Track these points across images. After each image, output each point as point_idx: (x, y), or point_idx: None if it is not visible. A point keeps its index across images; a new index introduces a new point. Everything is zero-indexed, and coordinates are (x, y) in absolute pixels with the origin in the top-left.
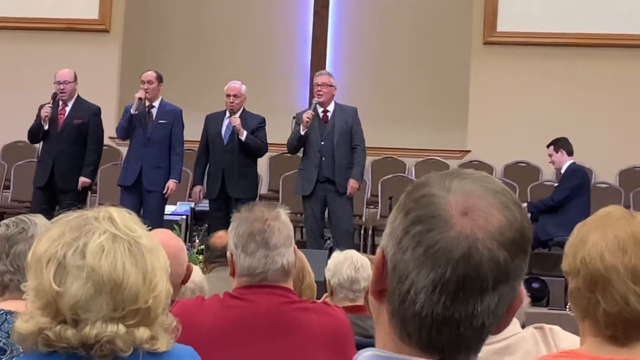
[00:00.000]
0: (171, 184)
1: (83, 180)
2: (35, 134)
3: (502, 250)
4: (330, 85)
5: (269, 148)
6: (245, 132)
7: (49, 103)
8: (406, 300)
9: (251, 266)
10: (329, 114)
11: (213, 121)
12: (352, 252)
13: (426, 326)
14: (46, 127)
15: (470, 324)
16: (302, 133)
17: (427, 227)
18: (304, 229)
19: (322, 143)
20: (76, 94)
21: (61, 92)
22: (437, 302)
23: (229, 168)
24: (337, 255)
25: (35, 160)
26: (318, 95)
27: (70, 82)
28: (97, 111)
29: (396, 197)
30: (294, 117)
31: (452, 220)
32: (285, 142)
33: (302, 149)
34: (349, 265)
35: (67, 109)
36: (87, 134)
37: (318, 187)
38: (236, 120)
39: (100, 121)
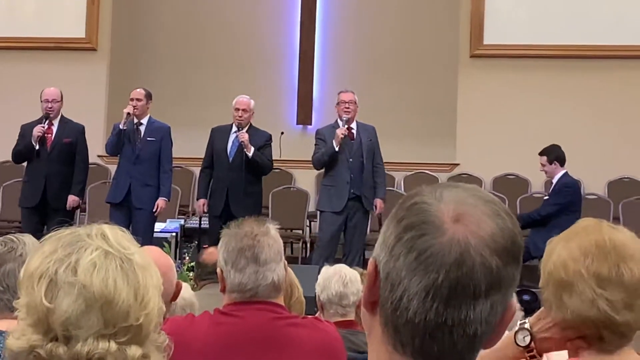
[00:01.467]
0: (161, 202)
1: (73, 198)
2: (24, 154)
3: (494, 256)
4: (356, 103)
5: None
6: (252, 148)
7: (39, 122)
8: (399, 307)
9: (241, 282)
10: (354, 131)
11: (219, 135)
12: (341, 267)
13: (419, 333)
14: (37, 147)
15: (463, 331)
16: (337, 149)
17: (419, 233)
18: (294, 245)
19: (351, 160)
20: (60, 113)
21: (49, 110)
22: (430, 309)
23: (234, 186)
24: (325, 270)
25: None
26: (346, 112)
27: (58, 101)
28: (83, 130)
29: (386, 211)
30: (282, 133)
31: (444, 226)
32: (277, 159)
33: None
34: (337, 280)
35: (54, 129)
36: (75, 152)
37: (347, 204)
38: (244, 135)
39: (85, 140)
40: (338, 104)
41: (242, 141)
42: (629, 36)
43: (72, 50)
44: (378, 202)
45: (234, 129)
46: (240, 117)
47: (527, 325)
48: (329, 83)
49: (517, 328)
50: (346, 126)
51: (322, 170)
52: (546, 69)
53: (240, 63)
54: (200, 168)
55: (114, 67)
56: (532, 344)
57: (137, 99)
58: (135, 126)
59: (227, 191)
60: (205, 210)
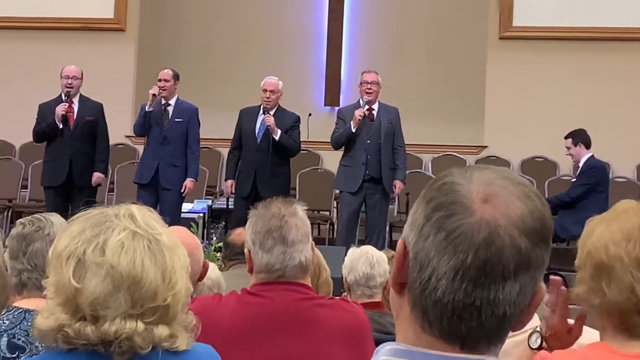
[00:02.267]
0: (189, 183)
1: (98, 175)
2: (48, 133)
3: (523, 237)
4: (379, 84)
5: None
6: (279, 132)
7: (57, 101)
8: (427, 287)
9: (269, 263)
10: (374, 112)
11: (247, 117)
12: (368, 248)
13: (447, 313)
14: (61, 126)
15: (491, 312)
16: (354, 130)
17: (448, 213)
18: (321, 226)
19: (368, 141)
20: (79, 92)
21: (69, 86)
22: (459, 289)
23: (262, 167)
24: (353, 251)
25: None
26: (368, 93)
27: (78, 79)
28: (102, 108)
29: (413, 193)
30: (309, 115)
31: (474, 207)
32: (305, 140)
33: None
34: (364, 261)
35: (75, 107)
36: (96, 130)
37: (362, 185)
38: (270, 119)
39: (104, 118)
40: (361, 84)
41: (268, 125)
42: None
43: (100, 30)
44: (397, 183)
45: (262, 110)
46: (267, 98)
47: (538, 328)
48: (356, 65)
49: (530, 331)
50: (366, 107)
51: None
52: (575, 51)
53: (268, 45)
54: (228, 149)
55: (142, 48)
56: (544, 344)
57: (165, 80)
58: (163, 107)
59: (255, 172)
60: (233, 191)
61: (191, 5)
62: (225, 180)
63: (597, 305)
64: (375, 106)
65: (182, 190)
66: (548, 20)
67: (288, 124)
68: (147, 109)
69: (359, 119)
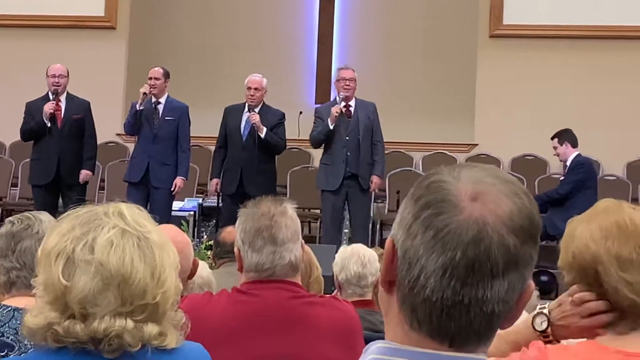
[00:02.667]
0: (179, 181)
1: (86, 173)
2: (36, 131)
3: (511, 235)
4: (356, 80)
5: None
6: (264, 129)
7: (44, 99)
8: (416, 286)
9: (259, 262)
10: (352, 109)
11: (232, 114)
12: (359, 247)
13: (436, 312)
14: (49, 124)
15: (480, 310)
16: (331, 127)
17: (436, 211)
18: (312, 224)
19: (347, 138)
20: (66, 90)
21: (56, 85)
22: (447, 287)
23: (247, 165)
24: (344, 250)
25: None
26: (346, 89)
27: (64, 77)
28: (89, 106)
29: (404, 191)
30: (300, 113)
31: (462, 204)
32: (295, 138)
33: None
34: (355, 260)
35: (62, 105)
36: (84, 128)
37: (343, 182)
38: (255, 117)
39: (92, 115)
40: (338, 80)
41: (253, 123)
42: None
43: (91, 28)
44: (374, 178)
45: (247, 108)
46: (252, 96)
47: (545, 311)
48: (347, 62)
49: (536, 312)
50: (343, 104)
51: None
52: (566, 49)
53: (259, 43)
54: (215, 147)
55: (133, 46)
56: (549, 329)
57: (155, 78)
58: (153, 105)
59: (241, 170)
60: (218, 189)
61: (182, 3)
62: (211, 178)
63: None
64: (353, 102)
65: (172, 189)
66: (538, 19)
67: (273, 121)
68: (137, 108)
69: (335, 115)
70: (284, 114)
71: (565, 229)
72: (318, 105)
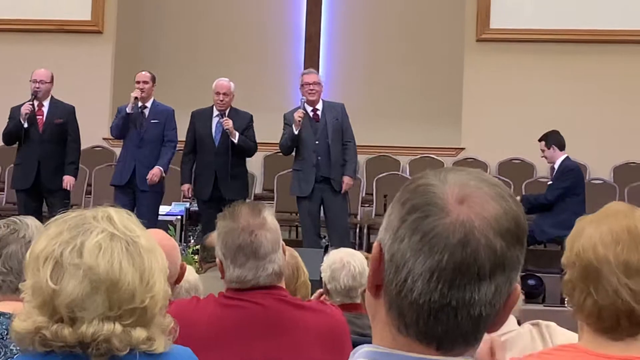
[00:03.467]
0: (155, 169)
1: (68, 179)
2: (14, 133)
3: (498, 238)
4: (320, 83)
5: (263, 147)
6: (237, 134)
7: (28, 102)
8: (403, 289)
9: (241, 275)
10: (319, 112)
11: (201, 119)
12: (350, 257)
13: (423, 315)
14: (26, 126)
15: (467, 313)
16: (296, 132)
17: (423, 214)
18: (299, 228)
19: (317, 142)
20: (50, 95)
21: (36, 89)
22: (435, 290)
23: (222, 170)
24: (333, 258)
25: None
26: (310, 93)
27: (46, 83)
28: (73, 110)
29: (391, 195)
30: (284, 118)
31: (449, 208)
32: (278, 145)
33: (294, 150)
34: (346, 274)
35: (45, 110)
36: (67, 133)
37: (315, 187)
38: (228, 123)
39: (76, 120)
40: (302, 85)
41: (226, 129)
42: (635, 21)
43: (77, 32)
44: (345, 179)
45: (216, 112)
46: (221, 101)
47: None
48: (334, 66)
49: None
50: (310, 108)
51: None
52: (552, 53)
53: (246, 46)
54: (183, 153)
55: (120, 50)
56: None
57: (144, 82)
58: (140, 109)
59: (215, 175)
60: (190, 195)
61: (169, 7)
62: (182, 184)
63: (583, 305)
64: (320, 105)
65: (147, 177)
66: (525, 23)
67: (243, 124)
68: (128, 111)
69: (299, 120)
70: (251, 116)
71: (574, 227)
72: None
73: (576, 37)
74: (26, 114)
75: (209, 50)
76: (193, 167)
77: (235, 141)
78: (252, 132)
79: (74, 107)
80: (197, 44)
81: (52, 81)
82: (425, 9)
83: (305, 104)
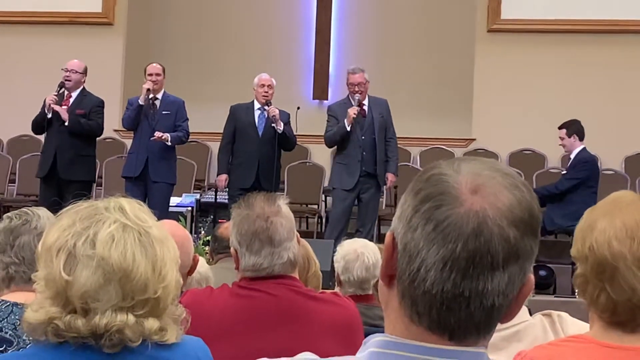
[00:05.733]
0: (165, 135)
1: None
2: (38, 122)
3: (512, 228)
4: (367, 82)
5: None
6: (282, 123)
7: (56, 91)
8: (416, 279)
9: (256, 263)
10: (365, 107)
11: (242, 112)
12: (363, 248)
13: (436, 305)
14: (49, 116)
15: (480, 303)
16: (348, 129)
17: (437, 204)
18: (309, 220)
19: (363, 138)
20: (82, 87)
21: (66, 78)
22: (448, 279)
23: (265, 159)
24: (347, 248)
25: (40, 153)
26: (358, 92)
27: (77, 72)
28: (99, 102)
29: (401, 186)
30: (298, 109)
31: (462, 197)
32: (295, 134)
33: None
34: (359, 265)
35: (71, 100)
36: None
37: (359, 180)
38: (275, 110)
39: (102, 111)
40: (349, 84)
41: (273, 115)
42: None
43: (88, 25)
44: (389, 176)
45: (257, 105)
46: (266, 92)
47: None
48: (345, 58)
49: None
50: (355, 105)
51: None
52: (563, 43)
53: (257, 38)
54: (218, 144)
55: (131, 42)
56: None
57: (157, 74)
58: (151, 101)
59: (258, 165)
60: (226, 185)
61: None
62: (219, 174)
63: (597, 300)
64: (366, 101)
65: (153, 136)
66: (536, 13)
67: (284, 120)
68: (140, 102)
69: (353, 116)
70: (289, 114)
71: (583, 219)
72: (330, 103)
73: (588, 28)
74: (49, 104)
75: (219, 42)
76: (230, 160)
77: (281, 129)
78: (291, 128)
79: (102, 100)
80: (207, 36)
81: (84, 72)
82: (436, 0)
83: (353, 99)
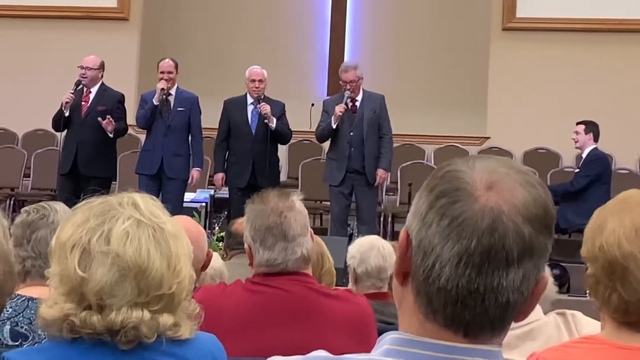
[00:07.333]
0: (195, 173)
1: (109, 121)
2: (56, 120)
3: (526, 224)
4: (359, 78)
5: None
6: (274, 119)
7: (74, 89)
8: (431, 275)
9: (270, 258)
10: (358, 103)
11: (234, 108)
12: (377, 240)
13: (451, 301)
14: (67, 114)
15: (495, 299)
16: (334, 127)
17: (452, 200)
18: (323, 216)
19: (352, 134)
20: (100, 82)
21: (82, 77)
22: (463, 275)
23: (259, 157)
24: (361, 243)
25: (55, 148)
26: (349, 89)
27: (92, 69)
28: (120, 98)
29: (415, 183)
30: (312, 105)
31: (477, 193)
32: (307, 130)
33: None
34: (376, 254)
35: (91, 96)
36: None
37: (347, 176)
38: (266, 107)
39: (124, 107)
40: (341, 81)
41: (264, 113)
42: None
43: (103, 19)
44: (379, 171)
45: (250, 100)
46: (257, 87)
47: None
48: (359, 54)
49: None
50: (348, 100)
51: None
52: (578, 42)
53: (271, 33)
54: (216, 141)
55: (146, 37)
56: None
57: (169, 72)
58: (164, 97)
59: (253, 163)
60: (223, 184)
61: None
62: (215, 173)
63: (609, 300)
64: (360, 96)
65: (188, 181)
66: (551, 12)
67: (278, 112)
68: (155, 103)
69: (339, 115)
70: (284, 104)
71: (592, 219)
72: (327, 98)
73: (603, 26)
74: (66, 102)
75: (234, 38)
76: (226, 156)
77: (274, 126)
78: (286, 120)
79: (123, 95)
80: (221, 32)
81: (100, 68)
82: None
83: (344, 96)
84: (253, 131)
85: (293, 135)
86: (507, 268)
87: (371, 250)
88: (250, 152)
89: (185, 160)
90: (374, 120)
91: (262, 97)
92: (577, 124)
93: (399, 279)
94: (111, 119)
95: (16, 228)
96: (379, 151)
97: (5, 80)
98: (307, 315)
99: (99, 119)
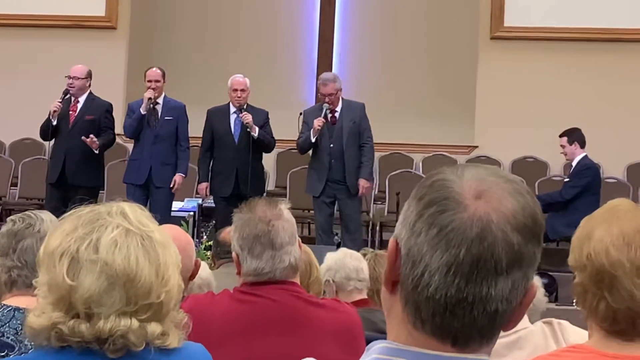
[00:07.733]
0: (178, 178)
1: (92, 140)
2: (44, 130)
3: (515, 233)
4: (338, 91)
5: (276, 144)
6: (257, 129)
7: (58, 100)
8: (420, 284)
9: (258, 267)
10: (337, 114)
11: (218, 117)
12: (345, 250)
13: (440, 310)
14: (54, 123)
15: (483, 308)
16: (313, 140)
17: (440, 209)
18: (311, 225)
19: (332, 145)
20: (88, 91)
21: (70, 86)
22: (451, 284)
23: (243, 166)
24: (331, 257)
25: (43, 157)
26: (328, 102)
27: (80, 78)
28: (109, 107)
29: (403, 192)
30: (300, 114)
31: (466, 202)
32: (295, 139)
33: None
34: (349, 258)
35: (79, 105)
36: (99, 129)
37: (328, 186)
38: (248, 117)
39: (112, 117)
40: (319, 93)
41: (246, 122)
42: None
43: (91, 28)
44: (361, 181)
45: (233, 109)
46: (239, 97)
47: None
48: (348, 63)
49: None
50: (328, 112)
51: None
52: (566, 51)
53: (259, 42)
54: (200, 151)
55: (133, 46)
56: None
57: (156, 81)
58: (152, 106)
59: (237, 172)
60: (208, 193)
61: (182, 3)
62: (199, 182)
63: (597, 309)
64: (339, 107)
65: (171, 186)
66: (539, 21)
67: (260, 121)
68: (142, 112)
69: (317, 129)
70: (267, 112)
71: (580, 227)
72: (305, 109)
73: (590, 36)
74: (54, 111)
75: (222, 47)
76: (210, 165)
77: (256, 135)
78: (270, 128)
79: (111, 105)
80: (210, 41)
81: (87, 77)
82: (439, 7)
83: (322, 108)
84: (236, 140)
85: (281, 144)
86: (496, 277)
87: (344, 258)
88: (234, 162)
89: (173, 169)
90: (354, 131)
91: (245, 106)
92: (560, 136)
93: (387, 287)
94: (94, 138)
95: (2, 237)
96: (360, 161)
97: None
98: (295, 324)
99: (83, 137)
